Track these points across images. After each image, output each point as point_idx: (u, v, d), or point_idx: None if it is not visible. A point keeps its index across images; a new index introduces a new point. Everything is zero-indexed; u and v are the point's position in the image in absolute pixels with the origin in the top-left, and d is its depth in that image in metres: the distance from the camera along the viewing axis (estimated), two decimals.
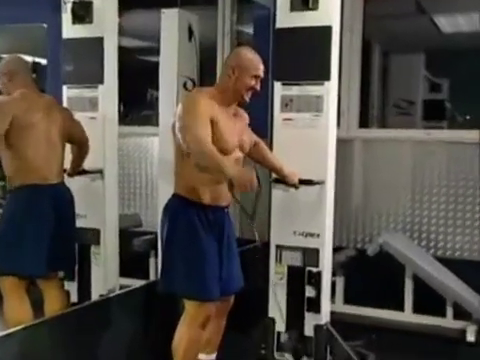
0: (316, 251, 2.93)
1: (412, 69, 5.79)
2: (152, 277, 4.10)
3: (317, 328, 2.95)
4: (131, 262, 3.72)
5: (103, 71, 3.33)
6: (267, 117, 3.57)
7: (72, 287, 3.44)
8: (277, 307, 2.98)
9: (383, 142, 4.45)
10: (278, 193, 3.00)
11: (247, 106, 2.78)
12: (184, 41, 3.76)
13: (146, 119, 5.07)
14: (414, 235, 4.34)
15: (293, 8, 2.90)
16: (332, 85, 2.92)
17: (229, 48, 4.52)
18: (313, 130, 2.92)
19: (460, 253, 4.23)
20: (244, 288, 2.83)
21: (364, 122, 4.73)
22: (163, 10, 3.70)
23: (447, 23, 5.81)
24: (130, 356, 3.07)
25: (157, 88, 3.79)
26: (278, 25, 2.97)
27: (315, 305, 2.94)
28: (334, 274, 3.51)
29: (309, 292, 2.95)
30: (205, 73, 4.03)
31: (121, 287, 3.47)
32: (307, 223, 2.94)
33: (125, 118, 4.79)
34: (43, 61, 4.43)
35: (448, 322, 3.88)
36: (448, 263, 4.07)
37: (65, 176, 3.27)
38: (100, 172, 3.37)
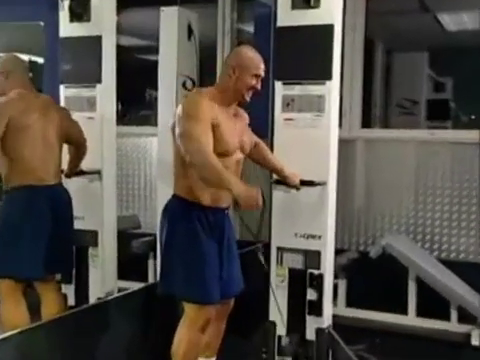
0: (318, 253, 2.93)
1: (415, 68, 5.81)
2: (151, 280, 4.12)
3: (319, 332, 2.95)
4: (129, 264, 3.73)
5: (101, 70, 3.34)
6: (268, 117, 3.57)
7: (69, 290, 3.45)
8: (278, 310, 2.98)
9: (386, 142, 4.46)
10: (279, 194, 3.01)
11: (247, 106, 2.79)
12: (183, 40, 3.77)
13: (145, 119, 5.09)
14: (417, 237, 4.35)
15: (294, 6, 2.89)
16: (334, 84, 2.92)
17: (229, 47, 4.52)
18: (315, 130, 2.92)
19: (465, 255, 4.24)
20: (244, 291, 2.83)
21: (366, 122, 4.74)
22: (162, 8, 3.72)
23: (451, 21, 5.82)
24: None
25: (156, 87, 3.80)
26: (279, 23, 2.97)
27: (317, 308, 2.94)
28: (336, 277, 3.52)
29: (310, 295, 2.95)
30: (205, 72, 4.04)
31: (119, 290, 3.49)
32: (308, 225, 2.94)
33: (123, 118, 4.81)
34: (40, 60, 4.45)
35: (452, 326, 3.87)
36: (452, 265, 4.07)
37: (63, 177, 3.28)
38: (98, 173, 3.38)
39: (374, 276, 3.95)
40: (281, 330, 3.02)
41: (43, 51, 4.33)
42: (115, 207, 3.56)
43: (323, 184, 2.91)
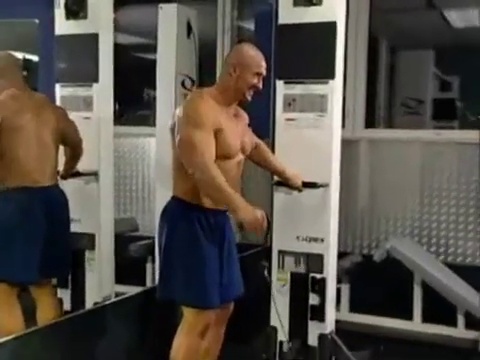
0: (320, 257, 2.95)
1: (421, 66, 5.80)
2: (149, 284, 4.13)
3: (321, 337, 2.96)
4: (127, 268, 3.73)
5: (98, 69, 3.34)
6: (269, 117, 3.58)
7: (65, 295, 3.46)
8: (279, 315, 2.98)
9: (390, 143, 4.47)
10: (280, 196, 3.02)
11: (247, 105, 2.80)
12: (182, 38, 3.78)
13: (143, 119, 5.10)
14: (423, 240, 4.36)
15: (296, 3, 2.91)
16: (337, 83, 2.93)
17: (229, 45, 4.54)
18: (317, 131, 2.93)
19: (471, 259, 4.24)
20: (245, 295, 2.85)
21: (370, 122, 4.75)
22: (161, 5, 3.73)
23: (458, 17, 5.82)
24: None
25: (154, 87, 3.81)
26: (280, 21, 2.98)
27: (319, 313, 2.96)
28: (339, 281, 3.53)
29: (313, 300, 2.96)
30: (204, 71, 4.05)
31: (117, 294, 3.49)
32: (311, 227, 2.95)
33: (121, 118, 4.81)
34: (35, 58, 4.46)
35: (459, 332, 3.88)
36: (459, 269, 4.08)
37: (59, 178, 3.29)
38: (95, 174, 3.39)
39: (378, 280, 3.96)
40: (282, 335, 3.03)
41: (38, 49, 4.34)
42: (112, 209, 3.56)
43: (326, 186, 2.92)
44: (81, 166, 3.36)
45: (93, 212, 3.41)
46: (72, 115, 3.33)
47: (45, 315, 3.20)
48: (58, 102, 3.45)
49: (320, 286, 2.94)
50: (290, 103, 2.98)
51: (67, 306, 3.46)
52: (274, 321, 3.04)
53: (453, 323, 3.90)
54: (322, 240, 2.94)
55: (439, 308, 3.87)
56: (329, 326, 3.00)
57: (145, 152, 4.82)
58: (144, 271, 4.29)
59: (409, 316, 4.01)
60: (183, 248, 2.62)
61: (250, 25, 4.73)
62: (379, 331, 3.96)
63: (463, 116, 5.94)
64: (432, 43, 5.84)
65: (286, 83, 2.99)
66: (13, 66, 3.20)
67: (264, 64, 2.68)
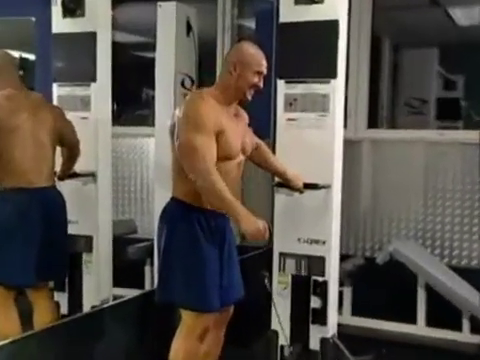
0: (322, 259, 2.95)
1: (425, 65, 5.80)
2: (148, 287, 4.13)
3: (323, 341, 2.97)
4: (125, 271, 3.74)
5: (96, 68, 3.35)
6: (270, 117, 3.59)
7: (62, 298, 3.47)
8: (280, 319, 2.99)
9: (393, 143, 4.48)
10: (281, 198, 3.02)
11: (247, 105, 2.80)
12: (182, 36, 3.79)
13: (141, 119, 5.11)
14: (427, 242, 4.37)
15: (297, 1, 2.91)
16: (339, 83, 2.94)
17: (229, 44, 4.54)
18: (319, 131, 2.94)
19: (476, 262, 4.25)
20: (246, 298, 2.85)
21: (373, 122, 4.76)
22: (160, 3, 3.73)
23: (463, 15, 5.82)
24: None
25: (153, 86, 3.81)
26: (281, 19, 2.98)
27: (321, 317, 2.96)
28: (341, 284, 3.53)
29: (314, 303, 2.97)
30: (204, 70, 4.05)
31: (115, 298, 3.50)
32: (312, 229, 2.96)
33: (119, 118, 4.82)
34: (31, 57, 4.46)
35: (464, 336, 3.88)
36: (463, 272, 4.09)
37: (56, 179, 3.30)
38: (92, 175, 3.40)
39: (381, 283, 3.96)
40: (283, 339, 3.03)
41: (35, 47, 4.34)
42: (110, 211, 3.57)
43: (327, 187, 2.93)
44: (79, 167, 3.36)
45: (91, 214, 3.41)
46: (69, 115, 3.33)
47: (42, 319, 3.19)
48: (55, 102, 3.45)
49: (322, 289, 2.95)
50: (291, 103, 2.98)
51: (64, 310, 3.47)
52: (275, 325, 3.04)
53: (458, 327, 3.90)
54: (324, 242, 2.94)
55: (443, 312, 3.87)
56: (331, 330, 3.00)
57: (144, 153, 4.82)
58: (142, 274, 4.29)
59: (413, 320, 4.02)
60: (183, 250, 2.62)
61: (251, 23, 4.73)
62: (382, 335, 3.97)
63: (468, 116, 5.94)
64: (436, 41, 5.83)
65: (287, 82, 2.99)
66: (9, 65, 3.20)
67: (265, 62, 2.68)
